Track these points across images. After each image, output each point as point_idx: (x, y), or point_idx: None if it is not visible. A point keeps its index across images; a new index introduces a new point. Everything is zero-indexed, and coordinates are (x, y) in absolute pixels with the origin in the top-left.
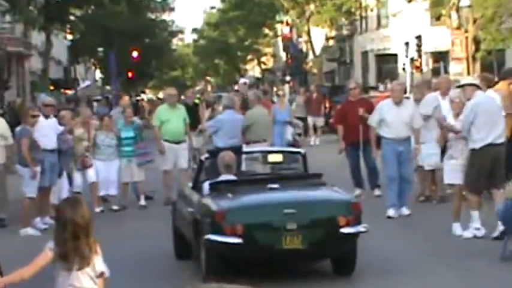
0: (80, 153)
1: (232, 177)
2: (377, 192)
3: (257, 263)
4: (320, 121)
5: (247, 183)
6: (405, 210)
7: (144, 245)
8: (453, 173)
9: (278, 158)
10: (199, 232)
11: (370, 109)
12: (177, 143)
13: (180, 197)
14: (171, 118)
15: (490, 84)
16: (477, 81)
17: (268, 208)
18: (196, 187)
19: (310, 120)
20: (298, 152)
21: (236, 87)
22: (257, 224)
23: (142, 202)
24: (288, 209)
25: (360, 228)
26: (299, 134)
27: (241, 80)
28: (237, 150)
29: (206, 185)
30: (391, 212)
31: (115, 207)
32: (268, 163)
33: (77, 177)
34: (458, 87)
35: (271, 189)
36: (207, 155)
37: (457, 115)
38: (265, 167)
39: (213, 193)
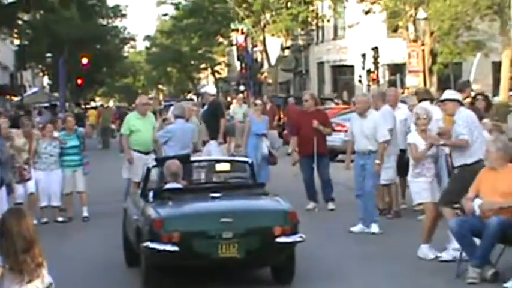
0: (19, 164)
1: (178, 185)
2: (331, 205)
3: (194, 271)
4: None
5: (191, 191)
6: (373, 228)
7: (94, 253)
8: (424, 191)
9: (225, 167)
10: (140, 239)
11: (324, 121)
12: (147, 153)
13: (130, 204)
14: (142, 127)
15: (428, 98)
16: (459, 96)
17: (205, 217)
18: (143, 195)
19: None
20: (246, 162)
21: (189, 96)
22: (194, 232)
23: (85, 213)
24: (224, 218)
25: (296, 237)
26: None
27: (206, 89)
28: (185, 159)
29: (151, 193)
30: (354, 227)
31: (60, 219)
32: (217, 172)
33: (19, 187)
34: (441, 101)
35: (213, 198)
36: (154, 163)
37: (422, 131)
38: (216, 175)
39: (156, 201)
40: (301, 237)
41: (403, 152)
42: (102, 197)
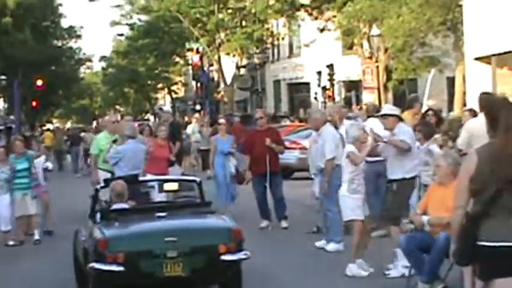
0: None
1: (124, 205)
2: (284, 224)
3: None
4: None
5: (138, 211)
6: (330, 246)
7: (46, 276)
8: (358, 208)
9: (173, 186)
10: (87, 260)
11: (277, 139)
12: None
13: (80, 225)
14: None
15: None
16: (398, 112)
17: (149, 236)
18: (91, 216)
19: None
20: (194, 181)
21: (146, 116)
22: (138, 251)
23: (37, 236)
24: (169, 237)
25: (241, 255)
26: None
27: (164, 108)
28: (133, 179)
29: (98, 214)
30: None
31: (11, 243)
32: (165, 191)
33: None
34: (382, 116)
35: (158, 217)
36: (102, 184)
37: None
38: (165, 195)
39: (102, 222)
40: (245, 254)
41: None
42: (56, 219)
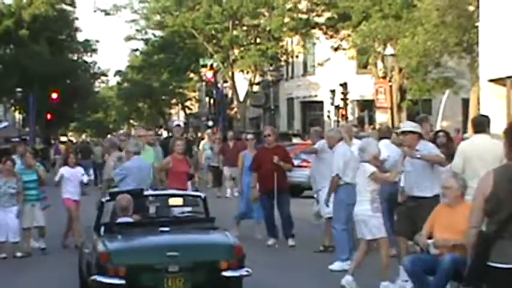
0: None
1: (128, 219)
2: (291, 242)
3: None
4: (237, 172)
5: (141, 225)
6: (335, 265)
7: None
8: (382, 226)
9: (178, 201)
10: (89, 273)
11: (285, 157)
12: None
13: (85, 238)
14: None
15: (389, 136)
16: (419, 129)
17: (151, 250)
18: (96, 229)
19: (226, 170)
20: (199, 196)
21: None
22: (140, 265)
23: (43, 245)
24: (171, 251)
25: (243, 271)
26: None
27: (175, 123)
28: (138, 193)
29: (102, 227)
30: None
31: (19, 254)
32: (170, 206)
33: None
34: (402, 132)
35: (161, 232)
36: (108, 198)
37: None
38: (169, 210)
39: (106, 235)
40: (247, 271)
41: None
42: (61, 230)
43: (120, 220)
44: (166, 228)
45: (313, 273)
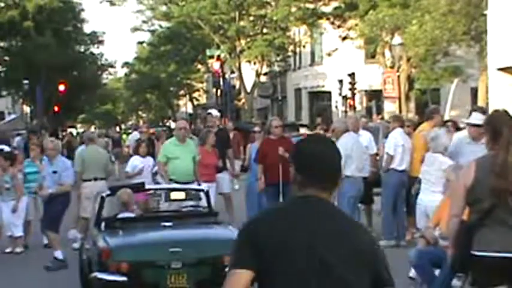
0: None
1: (130, 214)
2: None
3: None
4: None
5: (143, 220)
6: None
7: (52, 285)
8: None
9: (180, 195)
10: (90, 269)
11: (289, 148)
12: (186, 183)
13: (87, 234)
14: (180, 155)
15: (402, 125)
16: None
17: (154, 246)
18: (96, 224)
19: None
20: (201, 190)
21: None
22: (142, 262)
23: (46, 241)
24: (173, 247)
25: None
26: None
27: (208, 111)
28: (139, 187)
29: (103, 222)
30: None
31: (18, 250)
32: (172, 200)
33: None
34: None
35: (164, 227)
36: (108, 192)
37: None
38: (172, 204)
39: (107, 230)
40: None
41: (365, 179)
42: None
43: (121, 215)
44: (169, 223)
45: None
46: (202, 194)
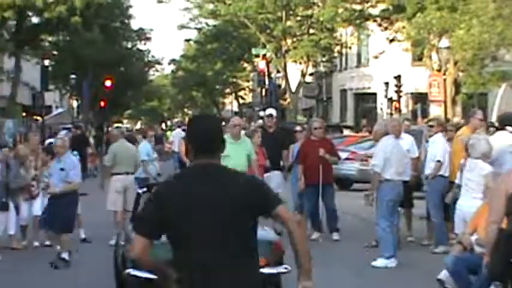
0: (27, 182)
1: None
2: (335, 236)
3: None
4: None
5: None
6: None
7: (87, 280)
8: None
9: None
10: (124, 266)
11: (331, 150)
12: None
13: (122, 231)
14: (232, 153)
15: (444, 129)
16: None
17: None
18: (132, 220)
19: None
20: None
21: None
22: None
23: (83, 235)
24: None
25: (281, 268)
26: None
27: (267, 111)
28: None
29: None
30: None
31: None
32: None
33: (24, 209)
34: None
35: None
36: (144, 189)
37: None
38: None
39: None
40: (285, 268)
41: (405, 183)
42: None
43: None
44: None
45: (355, 269)
46: None
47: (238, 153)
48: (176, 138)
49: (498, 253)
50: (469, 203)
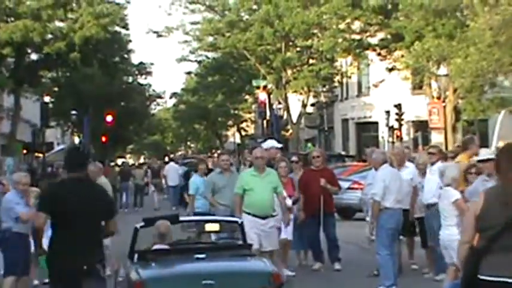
0: None
1: (164, 246)
2: (337, 266)
3: None
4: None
5: (177, 252)
6: None
7: None
8: None
9: (215, 227)
10: None
11: (332, 180)
12: (263, 218)
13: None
14: (257, 186)
15: (443, 157)
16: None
17: (187, 279)
18: (130, 256)
19: None
20: (235, 222)
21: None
22: None
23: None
24: (207, 280)
25: None
26: None
27: (269, 145)
28: (174, 219)
29: (136, 254)
30: None
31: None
32: (206, 232)
33: None
34: (480, 161)
35: (197, 259)
36: (142, 224)
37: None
38: (205, 236)
39: (140, 262)
40: None
41: (406, 211)
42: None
43: (155, 247)
44: (202, 255)
45: None
46: (236, 226)
47: (263, 187)
48: (170, 172)
49: (467, 269)
50: (445, 231)
